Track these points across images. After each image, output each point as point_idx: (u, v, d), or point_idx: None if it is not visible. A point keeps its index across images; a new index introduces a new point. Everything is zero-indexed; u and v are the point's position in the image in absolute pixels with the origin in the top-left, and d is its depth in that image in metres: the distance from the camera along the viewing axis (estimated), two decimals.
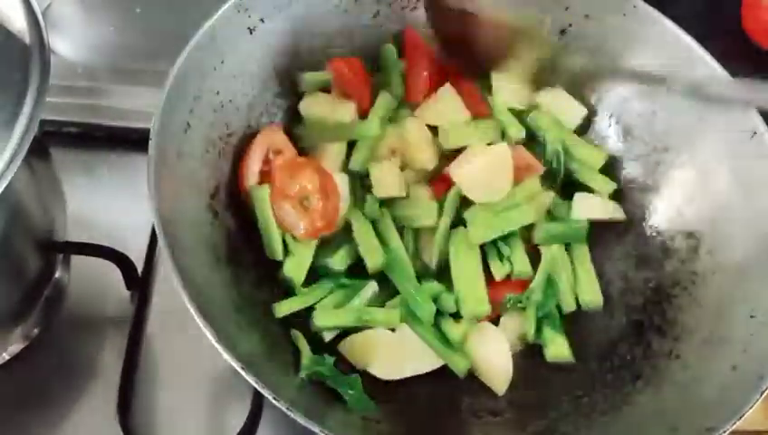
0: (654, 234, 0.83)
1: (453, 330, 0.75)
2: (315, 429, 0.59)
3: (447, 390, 0.75)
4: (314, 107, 0.82)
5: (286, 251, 0.75)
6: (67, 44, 1.00)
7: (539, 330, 0.77)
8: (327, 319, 0.73)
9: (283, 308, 0.73)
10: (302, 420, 0.58)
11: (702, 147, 0.79)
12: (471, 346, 0.75)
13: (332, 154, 0.80)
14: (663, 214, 0.82)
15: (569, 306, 0.79)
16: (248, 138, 0.79)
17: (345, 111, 0.81)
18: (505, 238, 0.78)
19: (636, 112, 0.84)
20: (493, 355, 0.75)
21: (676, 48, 0.80)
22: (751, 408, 0.63)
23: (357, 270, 0.77)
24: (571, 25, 0.84)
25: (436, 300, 0.75)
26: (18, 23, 0.62)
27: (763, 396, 0.64)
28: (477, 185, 0.77)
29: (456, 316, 0.76)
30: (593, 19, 0.83)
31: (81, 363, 0.80)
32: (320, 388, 0.70)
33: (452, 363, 0.74)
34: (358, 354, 0.73)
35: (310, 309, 0.75)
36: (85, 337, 0.81)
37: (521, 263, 0.78)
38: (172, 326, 0.82)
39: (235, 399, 0.78)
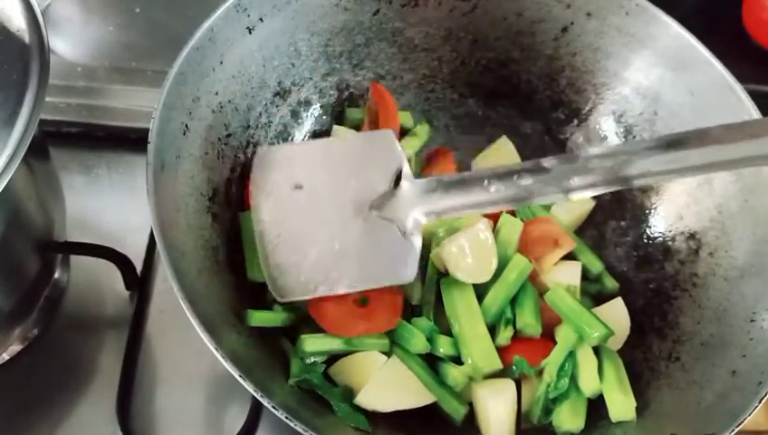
0: (655, 235, 0.82)
1: (452, 373, 0.71)
2: None
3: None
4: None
5: None
6: (67, 44, 1.00)
7: (548, 412, 0.73)
8: (315, 344, 0.70)
9: (256, 318, 0.71)
10: (299, 428, 0.58)
11: None
12: (476, 393, 0.72)
13: None
14: (664, 215, 0.82)
15: (590, 391, 0.73)
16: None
17: None
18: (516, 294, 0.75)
19: (637, 112, 0.84)
20: (496, 410, 0.71)
21: (678, 47, 0.80)
22: (750, 414, 0.63)
23: None
24: (572, 24, 0.84)
25: (429, 339, 0.72)
26: (18, 22, 0.62)
27: (762, 402, 0.64)
28: (462, 265, 0.73)
29: (457, 361, 0.73)
30: (595, 17, 0.83)
31: (80, 364, 0.80)
32: (317, 395, 0.70)
33: (448, 407, 0.72)
34: (347, 381, 0.71)
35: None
36: (84, 337, 0.81)
37: (527, 316, 0.74)
38: (172, 326, 0.82)
39: (234, 400, 0.78)
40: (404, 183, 0.71)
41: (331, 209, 0.72)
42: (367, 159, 0.73)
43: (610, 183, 0.64)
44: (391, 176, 0.71)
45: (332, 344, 0.71)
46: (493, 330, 0.74)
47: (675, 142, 0.63)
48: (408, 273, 0.70)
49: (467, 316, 0.72)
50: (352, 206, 0.71)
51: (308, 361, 0.71)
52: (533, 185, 0.65)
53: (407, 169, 0.71)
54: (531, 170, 0.66)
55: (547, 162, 0.65)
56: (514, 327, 0.74)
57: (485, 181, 0.66)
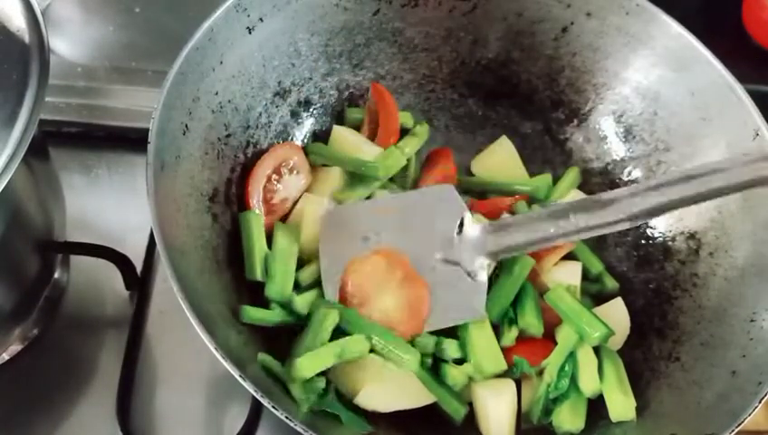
0: (655, 235, 0.82)
1: (452, 373, 0.72)
2: None
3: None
4: (343, 142, 0.83)
5: (268, 273, 0.74)
6: (67, 44, 1.00)
7: (548, 412, 0.73)
8: (310, 367, 0.67)
9: (250, 315, 0.71)
10: (299, 428, 0.58)
11: (704, 148, 0.79)
12: (476, 393, 0.73)
13: (330, 181, 0.80)
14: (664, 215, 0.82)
15: (590, 391, 0.73)
16: (257, 154, 0.80)
17: (371, 151, 0.82)
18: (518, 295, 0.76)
19: (637, 112, 0.84)
20: (496, 410, 0.71)
21: (678, 47, 0.80)
22: (750, 415, 0.63)
23: None
24: (572, 24, 0.84)
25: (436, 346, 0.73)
26: (18, 22, 0.62)
27: (762, 403, 0.64)
28: None
29: (459, 361, 0.73)
30: (595, 17, 0.83)
31: (80, 364, 0.80)
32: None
33: (448, 407, 0.72)
34: (347, 382, 0.71)
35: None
36: (84, 337, 0.81)
37: (529, 316, 0.74)
38: (171, 326, 0.82)
39: (234, 400, 0.78)
40: (466, 229, 0.75)
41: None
42: (429, 211, 0.77)
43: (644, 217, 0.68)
44: (455, 225, 0.75)
45: (325, 361, 0.69)
46: (495, 330, 0.74)
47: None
48: (477, 310, 0.73)
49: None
50: (419, 253, 0.75)
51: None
52: (587, 220, 0.69)
53: (469, 217, 0.75)
54: (585, 207, 0.70)
55: (604, 196, 0.69)
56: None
57: (542, 221, 0.71)
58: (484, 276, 0.74)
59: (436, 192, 0.79)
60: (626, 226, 0.69)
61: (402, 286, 0.73)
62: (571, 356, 0.73)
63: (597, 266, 0.82)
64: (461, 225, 0.75)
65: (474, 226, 0.75)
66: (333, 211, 0.78)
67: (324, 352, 0.69)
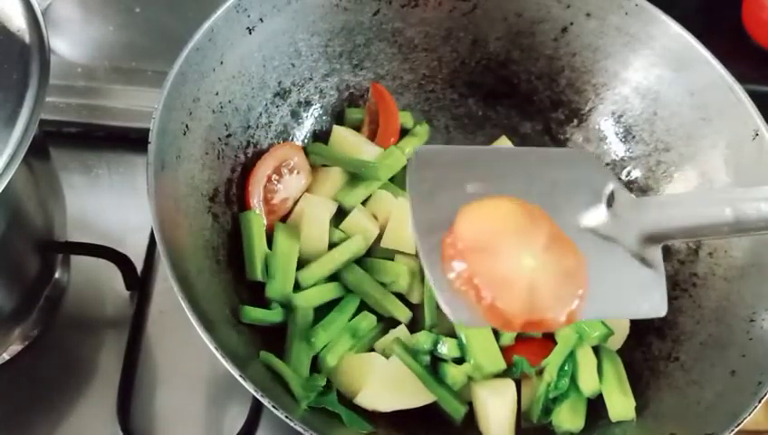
0: None
1: (451, 372, 0.72)
2: None
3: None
4: (343, 142, 0.83)
5: (268, 273, 0.74)
6: (67, 44, 0.99)
7: (547, 412, 0.73)
8: (334, 357, 0.71)
9: (251, 314, 0.71)
10: (299, 428, 0.58)
11: (703, 148, 0.79)
12: (476, 393, 0.72)
13: (330, 181, 0.80)
14: None
15: (590, 391, 0.73)
16: (257, 154, 0.80)
17: (371, 151, 0.82)
18: None
19: (637, 112, 0.84)
20: (496, 410, 0.71)
21: (678, 47, 0.80)
22: (750, 414, 0.63)
23: None
24: (572, 24, 0.84)
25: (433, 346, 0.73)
26: (18, 22, 0.62)
27: (762, 402, 0.64)
28: None
29: (459, 361, 0.73)
30: (595, 17, 0.83)
31: (80, 364, 0.80)
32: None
33: (448, 407, 0.72)
34: (347, 382, 0.71)
35: None
36: (85, 337, 0.81)
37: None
38: (172, 327, 0.82)
39: (234, 400, 0.78)
40: (623, 200, 0.57)
41: None
42: (561, 172, 0.59)
43: None
44: (600, 195, 0.58)
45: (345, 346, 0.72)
46: (493, 329, 0.74)
47: None
48: (660, 306, 0.56)
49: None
50: (556, 215, 0.56)
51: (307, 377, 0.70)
52: None
53: (621, 188, 0.59)
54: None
55: None
56: None
57: (716, 203, 0.55)
58: (659, 259, 0.56)
59: (570, 153, 0.65)
60: None
61: (550, 249, 0.53)
62: (571, 356, 0.73)
63: None
64: (611, 196, 0.57)
65: (626, 196, 0.58)
66: (427, 152, 0.61)
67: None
